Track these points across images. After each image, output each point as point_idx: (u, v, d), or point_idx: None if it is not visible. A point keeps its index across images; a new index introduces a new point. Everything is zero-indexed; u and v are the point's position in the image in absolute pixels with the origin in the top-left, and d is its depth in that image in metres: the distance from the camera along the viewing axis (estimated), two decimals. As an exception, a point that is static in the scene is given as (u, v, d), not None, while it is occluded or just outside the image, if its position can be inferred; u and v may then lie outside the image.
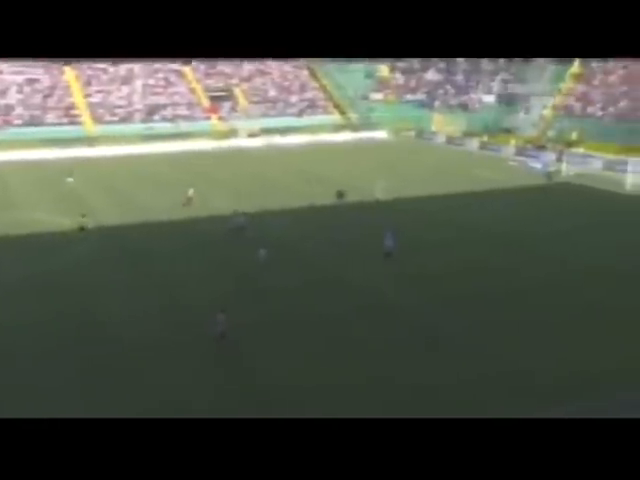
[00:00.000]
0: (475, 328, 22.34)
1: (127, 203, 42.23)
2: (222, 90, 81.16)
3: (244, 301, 24.97)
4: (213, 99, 79.45)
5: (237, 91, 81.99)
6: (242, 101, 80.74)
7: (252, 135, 73.76)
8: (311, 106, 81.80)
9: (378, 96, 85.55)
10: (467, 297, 25.21)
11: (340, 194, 41.51)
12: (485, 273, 28.12)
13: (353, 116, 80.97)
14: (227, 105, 79.37)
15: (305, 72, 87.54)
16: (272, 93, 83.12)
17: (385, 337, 21.71)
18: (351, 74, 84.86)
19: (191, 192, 42.22)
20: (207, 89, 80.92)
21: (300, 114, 79.52)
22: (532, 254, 30.63)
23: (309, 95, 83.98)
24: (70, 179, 48.69)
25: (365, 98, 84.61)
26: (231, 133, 74.08)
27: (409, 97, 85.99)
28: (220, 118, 77.18)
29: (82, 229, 35.64)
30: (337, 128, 77.69)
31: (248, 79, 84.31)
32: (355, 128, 78.19)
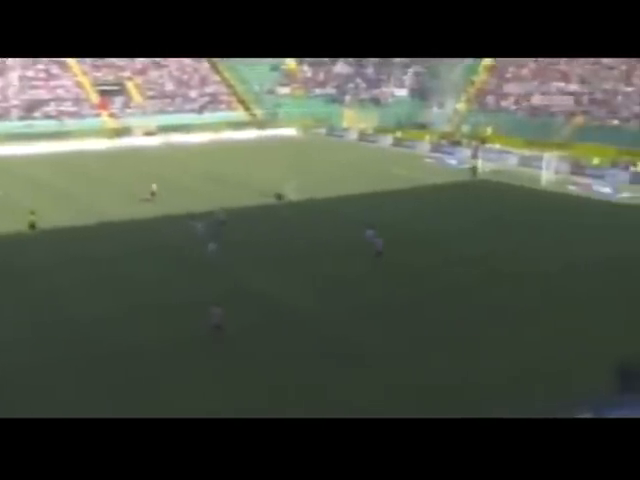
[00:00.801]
0: (393, 335, 22.30)
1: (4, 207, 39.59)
2: (113, 84, 78.39)
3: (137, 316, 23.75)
4: (103, 94, 76.54)
5: (130, 85, 79.41)
6: (136, 96, 78.27)
7: (148, 133, 71.66)
8: (213, 101, 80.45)
9: (285, 90, 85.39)
10: (382, 301, 25.21)
11: (279, 196, 41.17)
12: (403, 276, 28.29)
13: (259, 112, 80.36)
14: (119, 100, 76.72)
15: (205, 65, 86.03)
16: (169, 87, 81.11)
17: (297, 348, 21.25)
18: (256, 67, 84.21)
19: (154, 187, 42.73)
20: (96, 83, 77.83)
21: (201, 110, 78.02)
22: (450, 255, 31.13)
23: (210, 90, 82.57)
24: None
25: (271, 92, 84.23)
26: (124, 131, 71.63)
27: (318, 91, 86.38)
28: (111, 115, 74.49)
29: (32, 227, 35.13)
30: (242, 125, 76.81)
31: (142, 72, 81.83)
32: (261, 125, 77.60)
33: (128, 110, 75.45)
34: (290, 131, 76.79)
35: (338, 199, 42.58)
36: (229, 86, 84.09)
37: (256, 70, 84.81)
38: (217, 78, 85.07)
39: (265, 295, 26.17)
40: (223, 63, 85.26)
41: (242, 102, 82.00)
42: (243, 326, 23.16)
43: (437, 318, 23.83)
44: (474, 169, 51.58)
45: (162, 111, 76.16)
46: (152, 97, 78.33)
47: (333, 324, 23.47)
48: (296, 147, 67.99)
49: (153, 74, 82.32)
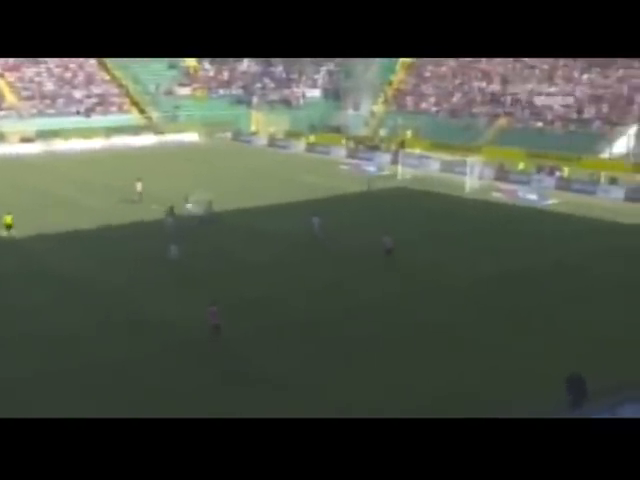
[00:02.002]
0: (301, 355, 22.53)
1: None
2: (-19, 83, 75.49)
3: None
4: (-30, 94, 73.51)
5: (1, 83, 76.63)
6: (9, 96, 75.58)
7: (25, 139, 69.46)
8: (102, 103, 78.71)
9: (185, 91, 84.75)
10: (296, 322, 25.43)
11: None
12: (321, 293, 28.67)
13: (155, 115, 79.29)
14: (-11, 102, 73.89)
15: (91, 61, 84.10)
16: (49, 87, 78.82)
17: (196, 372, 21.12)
18: (150, 65, 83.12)
19: (140, 186, 44.72)
20: (-39, 81, 74.66)
21: (88, 113, 76.16)
22: (370, 268, 31.69)
23: (98, 90, 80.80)
24: None
25: (169, 93, 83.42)
26: (-3, 137, 69.07)
27: (222, 92, 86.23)
28: (-21, 118, 71.62)
29: (9, 227, 36.16)
30: (137, 130, 75.62)
31: (15, 68, 79.13)
32: (159, 129, 76.60)
33: (0, 113, 72.65)
34: (192, 136, 76.20)
35: (245, 211, 42.51)
36: (120, 86, 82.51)
37: (151, 68, 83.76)
38: (106, 77, 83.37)
39: (167, 320, 25.80)
40: (112, 60, 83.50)
41: (136, 104, 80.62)
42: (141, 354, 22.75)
43: (352, 335, 24.29)
44: (369, 181, 50.44)
45: (41, 114, 73.83)
46: (29, 98, 75.78)
47: (239, 343, 23.45)
48: (200, 154, 67.44)
49: (29, 71, 79.75)
